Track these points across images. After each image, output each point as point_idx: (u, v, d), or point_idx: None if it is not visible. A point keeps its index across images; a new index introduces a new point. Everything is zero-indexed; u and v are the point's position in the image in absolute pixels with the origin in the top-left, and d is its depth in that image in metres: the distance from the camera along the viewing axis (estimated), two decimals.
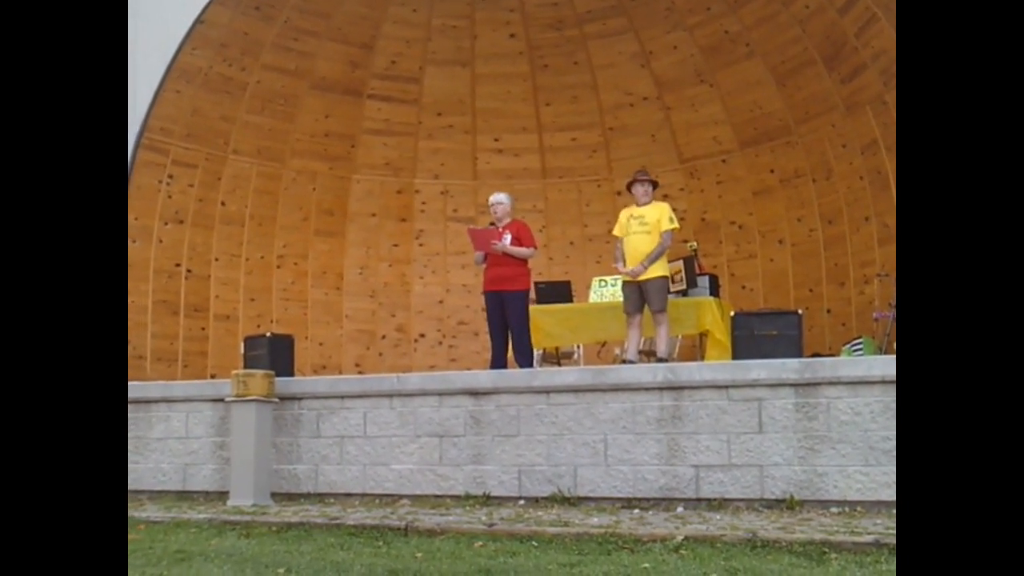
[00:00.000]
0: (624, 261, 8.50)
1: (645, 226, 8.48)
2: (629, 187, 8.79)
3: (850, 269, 10.76)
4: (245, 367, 9.10)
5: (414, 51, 12.39)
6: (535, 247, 8.96)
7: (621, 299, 8.74)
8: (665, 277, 8.52)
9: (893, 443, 6.40)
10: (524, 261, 8.81)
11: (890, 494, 6.35)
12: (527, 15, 12.27)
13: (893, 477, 6.36)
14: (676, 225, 8.57)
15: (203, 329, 11.41)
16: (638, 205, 8.63)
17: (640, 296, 8.43)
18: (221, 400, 8.15)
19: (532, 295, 9.38)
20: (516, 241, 8.75)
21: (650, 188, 8.67)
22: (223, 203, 11.67)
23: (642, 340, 8.75)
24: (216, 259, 11.61)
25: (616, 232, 8.76)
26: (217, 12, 10.77)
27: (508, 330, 8.71)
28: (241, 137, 11.70)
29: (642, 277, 8.36)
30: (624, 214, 8.72)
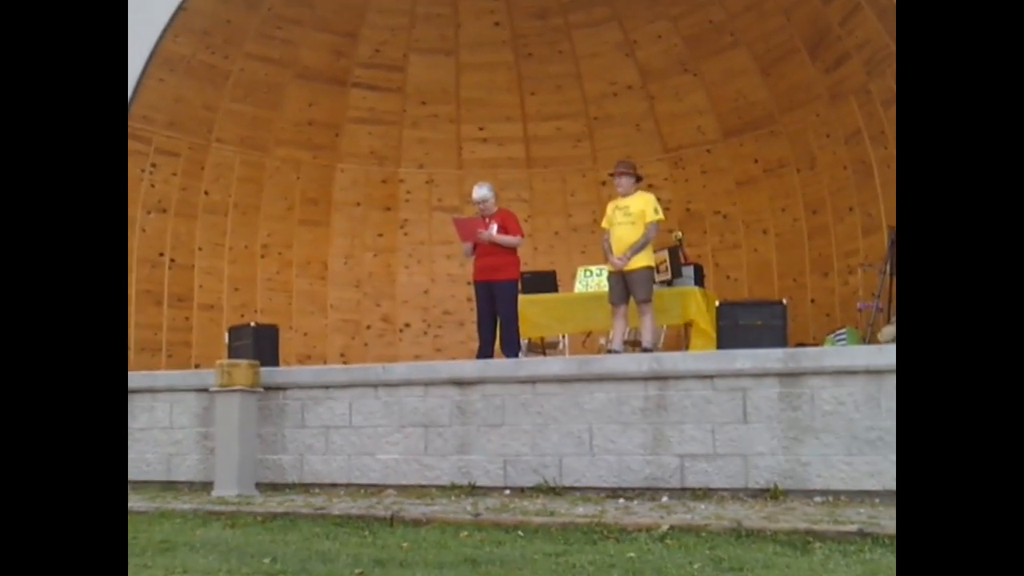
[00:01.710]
0: (611, 252, 8.51)
1: (629, 217, 8.48)
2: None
3: (834, 259, 10.80)
4: (229, 357, 9.07)
5: (398, 39, 12.33)
6: (522, 235, 8.95)
7: (606, 289, 8.75)
8: (650, 267, 8.53)
9: (877, 433, 6.45)
10: (513, 250, 8.80)
11: (873, 484, 6.40)
12: (511, 4, 12.23)
13: (876, 467, 6.41)
14: (661, 216, 8.57)
15: (187, 319, 11.36)
16: (622, 196, 8.64)
17: (625, 286, 8.44)
18: (205, 390, 8.12)
19: (520, 285, 9.38)
20: (503, 230, 8.73)
21: (631, 180, 8.66)
22: (206, 192, 11.61)
23: (627, 330, 8.77)
24: (200, 248, 11.55)
25: (604, 224, 8.77)
26: (200, 0, 10.69)
27: (496, 320, 8.70)
28: (224, 125, 11.64)
29: (627, 267, 8.37)
30: (610, 205, 8.73)
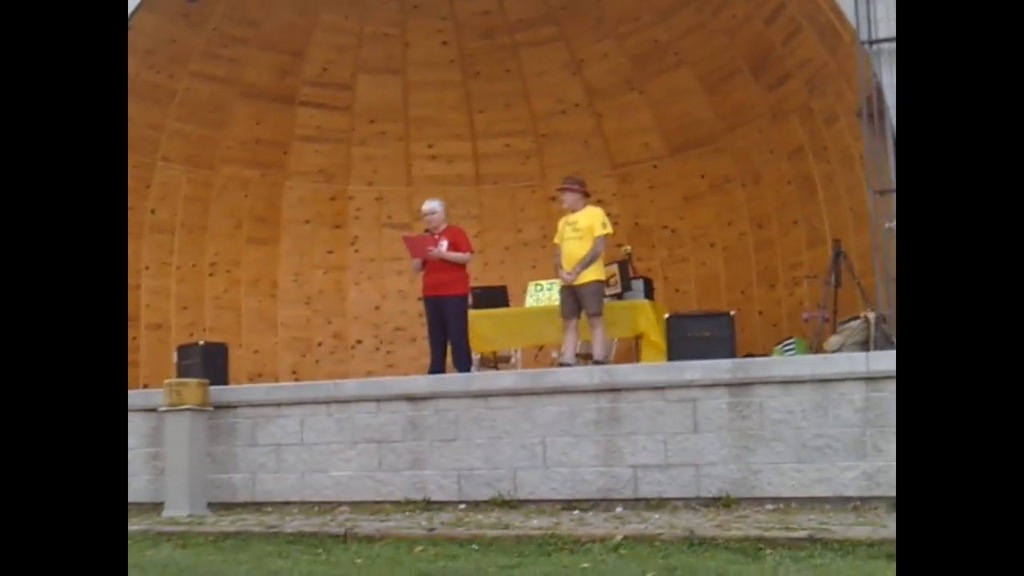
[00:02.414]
0: (561, 267, 8.58)
1: (578, 232, 8.57)
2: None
3: (780, 271, 10.98)
4: (178, 376, 8.97)
5: (346, 58, 12.33)
6: (472, 251, 9.00)
7: (556, 303, 8.81)
8: (600, 281, 8.60)
9: (824, 440, 6.56)
10: (462, 266, 8.84)
11: (823, 490, 6.51)
12: (459, 23, 12.30)
13: (825, 473, 6.53)
14: (609, 230, 8.66)
15: (134, 339, 11.18)
16: (571, 212, 8.73)
17: (576, 300, 8.50)
18: (154, 410, 8.01)
19: (469, 300, 9.40)
20: (453, 247, 8.77)
21: (576, 196, 8.74)
22: (153, 211, 11.47)
23: (579, 343, 8.83)
24: (146, 268, 11.40)
25: (556, 239, 8.85)
26: (144, 19, 10.57)
27: (447, 335, 8.72)
28: (170, 144, 11.52)
29: (577, 282, 8.43)
30: (561, 221, 8.81)
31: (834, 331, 7.98)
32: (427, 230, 9.04)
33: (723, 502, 6.67)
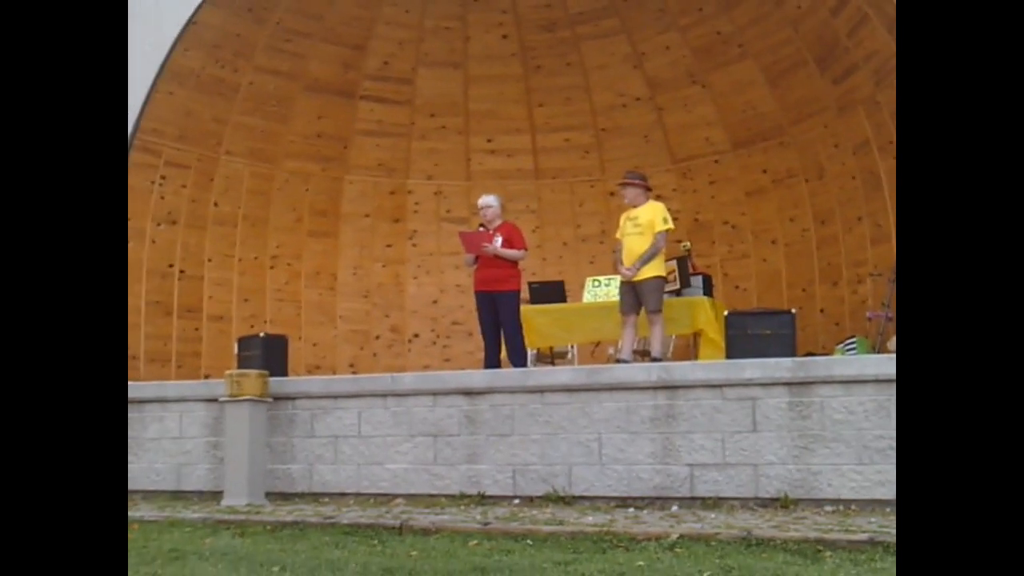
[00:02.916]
0: (621, 262, 8.53)
1: (639, 227, 8.49)
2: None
3: (843, 269, 10.78)
4: (239, 367, 9.10)
5: (407, 52, 12.38)
6: (526, 249, 8.98)
7: (614, 299, 8.76)
8: (660, 277, 8.52)
9: (887, 442, 6.42)
10: (515, 263, 8.82)
11: (884, 492, 6.37)
12: (520, 16, 12.28)
13: (887, 476, 6.38)
14: (670, 226, 8.57)
15: (196, 330, 11.39)
16: (632, 207, 8.66)
17: (635, 296, 8.44)
18: (215, 400, 8.14)
19: (525, 295, 9.39)
20: (507, 243, 8.77)
21: (637, 190, 8.65)
22: (216, 204, 11.65)
23: (637, 340, 8.76)
24: (209, 260, 11.59)
25: (617, 234, 8.80)
26: (210, 13, 10.75)
27: (500, 330, 8.72)
28: (234, 138, 11.69)
29: (637, 278, 8.37)
30: (623, 216, 8.76)
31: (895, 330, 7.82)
32: (482, 225, 9.04)
33: (781, 503, 6.57)
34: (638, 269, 8.35)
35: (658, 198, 9.76)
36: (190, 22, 10.68)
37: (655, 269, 8.43)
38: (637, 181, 8.72)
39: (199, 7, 10.61)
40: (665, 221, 8.49)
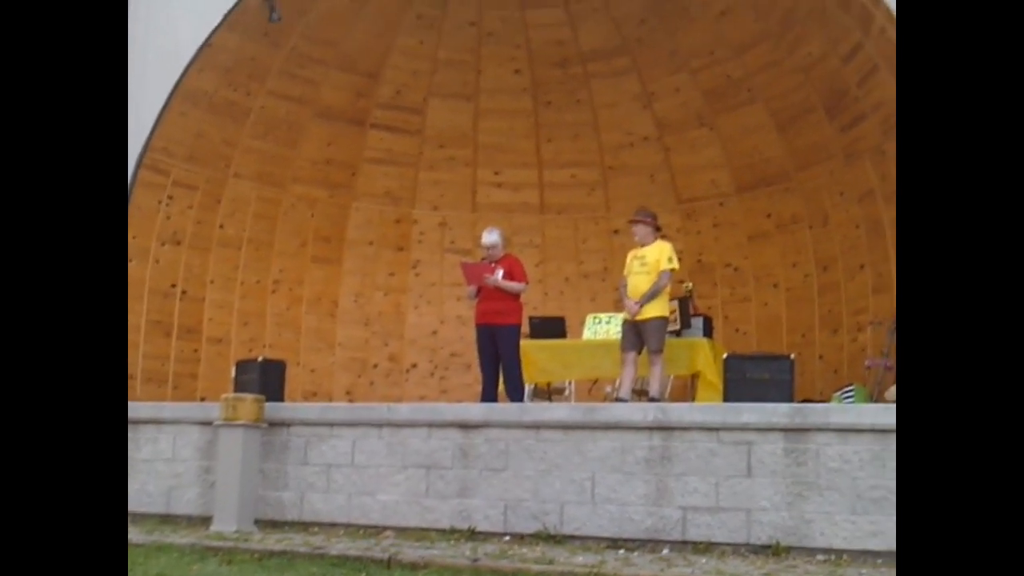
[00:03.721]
0: (628, 297, 8.54)
1: (645, 266, 8.53)
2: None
3: (843, 316, 10.76)
4: (235, 391, 9.07)
5: (419, 83, 12.46)
6: (527, 282, 9.01)
7: (615, 336, 8.75)
8: (663, 317, 8.52)
9: (881, 492, 6.38)
10: (516, 296, 8.84)
11: (877, 543, 6.32)
12: (532, 52, 12.36)
13: (880, 526, 6.34)
14: (675, 265, 8.59)
15: (195, 351, 11.37)
16: (640, 245, 8.69)
17: (637, 335, 8.44)
18: (209, 423, 8.11)
19: (525, 329, 9.38)
20: (508, 276, 8.80)
21: (647, 229, 8.69)
22: (221, 226, 11.67)
23: (636, 379, 8.74)
24: (212, 281, 11.59)
25: (624, 272, 8.82)
26: (225, 36, 10.82)
27: (499, 363, 8.71)
28: (243, 161, 11.73)
29: (641, 317, 8.37)
30: (630, 255, 8.79)
31: (896, 380, 7.79)
32: (484, 257, 9.07)
33: (773, 550, 6.52)
34: (640, 307, 8.35)
35: (663, 238, 9.77)
36: (206, 44, 10.74)
37: (659, 309, 8.44)
38: (647, 219, 8.75)
39: (215, 29, 10.69)
40: (670, 260, 8.51)
